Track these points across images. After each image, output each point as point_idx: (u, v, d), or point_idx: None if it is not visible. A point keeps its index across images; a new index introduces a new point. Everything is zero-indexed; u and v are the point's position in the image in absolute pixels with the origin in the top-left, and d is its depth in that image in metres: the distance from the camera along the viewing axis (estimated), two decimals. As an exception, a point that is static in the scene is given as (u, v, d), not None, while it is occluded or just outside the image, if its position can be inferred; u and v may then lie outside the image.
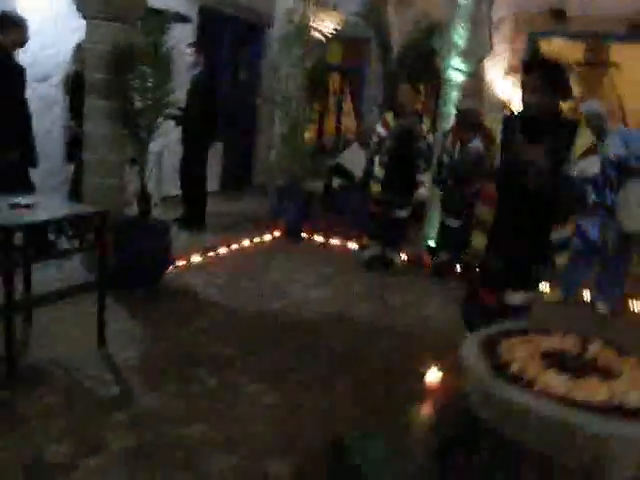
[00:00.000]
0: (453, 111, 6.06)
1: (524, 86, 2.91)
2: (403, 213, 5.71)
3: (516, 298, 3.07)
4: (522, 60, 3.60)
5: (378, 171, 5.62)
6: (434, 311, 4.85)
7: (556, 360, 2.13)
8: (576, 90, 11.05)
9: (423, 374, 3.34)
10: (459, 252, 5.73)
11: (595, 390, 1.93)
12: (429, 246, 6.38)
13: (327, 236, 6.83)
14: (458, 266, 5.86)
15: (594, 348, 2.19)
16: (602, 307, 5.13)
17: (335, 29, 6.56)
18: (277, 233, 6.75)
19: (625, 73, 9.43)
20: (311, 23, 6.33)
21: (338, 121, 9.52)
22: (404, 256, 6.16)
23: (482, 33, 5.83)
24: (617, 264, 5.09)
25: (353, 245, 6.59)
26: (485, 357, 2.12)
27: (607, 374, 2.08)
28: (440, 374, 3.23)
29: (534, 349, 2.21)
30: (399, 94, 5.49)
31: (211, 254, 5.70)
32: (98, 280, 3.51)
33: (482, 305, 3.12)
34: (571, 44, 8.78)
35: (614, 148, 4.80)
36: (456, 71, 5.94)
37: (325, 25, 6.42)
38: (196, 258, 5.47)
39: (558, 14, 7.51)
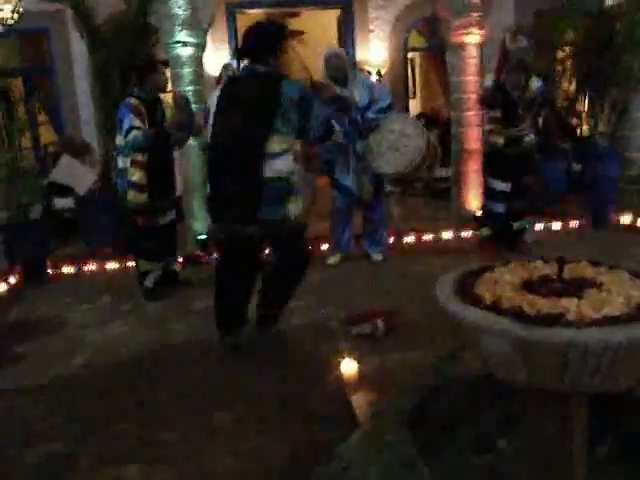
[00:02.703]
0: (189, 89, 5.48)
1: None
2: (172, 215, 4.84)
3: None
4: None
5: (137, 176, 4.33)
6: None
7: (545, 288, 1.90)
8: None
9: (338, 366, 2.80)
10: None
11: (610, 303, 1.74)
12: (202, 241, 5.75)
13: (78, 264, 5.67)
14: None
15: (569, 267, 2.01)
16: (377, 256, 5.19)
17: (17, 16, 5.28)
18: (13, 279, 5.32)
19: (309, 39, 10.01)
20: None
21: (34, 134, 7.99)
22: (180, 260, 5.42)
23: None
24: (375, 209, 5.16)
25: (113, 265, 5.62)
26: (485, 308, 1.76)
27: (595, 286, 1.91)
28: (353, 361, 2.75)
29: (512, 285, 1.93)
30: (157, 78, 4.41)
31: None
32: None
33: None
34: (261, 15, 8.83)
35: (361, 97, 4.87)
36: (183, 45, 5.33)
37: (4, 11, 5.11)
38: None
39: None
